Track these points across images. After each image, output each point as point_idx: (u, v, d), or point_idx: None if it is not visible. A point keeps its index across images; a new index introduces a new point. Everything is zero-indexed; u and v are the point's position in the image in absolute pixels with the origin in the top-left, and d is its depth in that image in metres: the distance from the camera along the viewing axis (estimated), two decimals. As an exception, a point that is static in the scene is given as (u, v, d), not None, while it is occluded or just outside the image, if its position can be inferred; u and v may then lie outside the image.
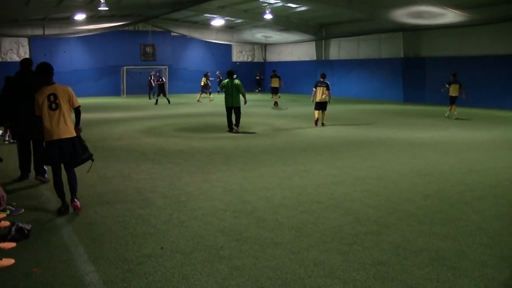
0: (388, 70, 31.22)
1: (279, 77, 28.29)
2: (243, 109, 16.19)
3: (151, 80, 32.82)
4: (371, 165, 10.36)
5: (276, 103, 26.62)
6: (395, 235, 5.85)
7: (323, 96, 17.08)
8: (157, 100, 28.65)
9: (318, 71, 36.02)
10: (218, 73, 36.96)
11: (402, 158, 11.15)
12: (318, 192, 7.88)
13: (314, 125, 17.15)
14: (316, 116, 17.24)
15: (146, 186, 8.36)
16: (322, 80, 17.41)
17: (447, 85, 20.54)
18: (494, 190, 8.13)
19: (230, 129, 15.62)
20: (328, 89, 17.13)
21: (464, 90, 20.23)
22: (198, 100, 30.12)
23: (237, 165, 10.25)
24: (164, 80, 30.03)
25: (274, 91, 28.09)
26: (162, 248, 5.44)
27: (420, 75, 28.79)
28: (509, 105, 23.65)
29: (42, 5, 26.31)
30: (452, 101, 20.19)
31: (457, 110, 20.18)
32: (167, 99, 28.37)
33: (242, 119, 15.95)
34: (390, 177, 9.13)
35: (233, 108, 15.65)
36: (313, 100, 17.40)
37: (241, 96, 15.63)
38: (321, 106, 17.19)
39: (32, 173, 9.01)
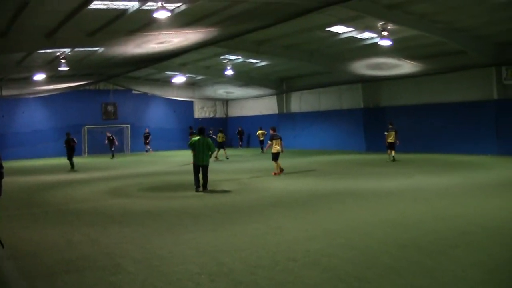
0: (349, 120, 31.84)
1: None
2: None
3: (113, 139, 33.03)
4: (342, 217, 10.33)
5: (216, 158, 27.28)
6: (376, 290, 5.75)
7: (278, 147, 18.58)
8: (113, 155, 31.82)
9: (281, 124, 36.67)
10: (147, 131, 37.29)
11: (372, 209, 11.17)
12: (293, 249, 7.74)
13: (276, 175, 18.33)
14: (279, 166, 18.66)
15: (116, 250, 8.05)
16: (275, 133, 19.08)
17: (385, 133, 22.70)
18: (466, 238, 8.16)
19: (198, 189, 14.96)
20: (281, 140, 18.90)
21: (421, 137, 21.44)
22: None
23: (207, 225, 10.03)
24: (113, 137, 32.92)
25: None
26: (138, 318, 5.18)
27: (381, 124, 29.46)
28: (466, 149, 24.36)
29: None
30: (390, 146, 22.49)
31: (395, 154, 22.62)
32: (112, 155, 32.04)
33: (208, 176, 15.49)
34: (363, 228, 9.09)
35: (201, 167, 15.06)
36: (264, 152, 18.38)
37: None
38: (278, 156, 18.67)
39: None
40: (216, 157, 27.31)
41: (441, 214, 10.21)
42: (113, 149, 32.58)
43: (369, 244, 7.91)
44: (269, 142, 18.90)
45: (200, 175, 15.08)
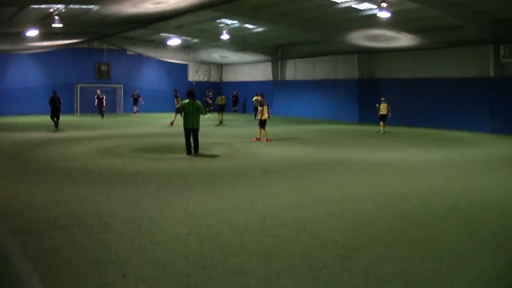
0: (343, 91, 31.69)
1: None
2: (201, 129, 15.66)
3: (102, 99, 32.91)
4: (333, 186, 10.36)
5: (221, 122, 27.81)
6: (363, 259, 5.77)
7: (266, 114, 18.79)
8: (103, 115, 31.85)
9: (275, 92, 36.47)
10: (136, 92, 36.90)
11: (363, 179, 11.20)
12: (282, 215, 7.76)
13: (255, 140, 18.65)
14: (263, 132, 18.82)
15: (104, 209, 8.03)
16: (263, 100, 19.26)
17: (377, 105, 22.87)
18: (455, 212, 8.21)
19: (189, 152, 14.81)
20: (268, 107, 19.17)
21: (416, 111, 21.45)
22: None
23: (197, 187, 10.02)
24: (102, 96, 32.76)
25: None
26: (124, 276, 5.17)
27: (375, 96, 29.34)
28: (459, 125, 24.31)
29: (-9, 20, 25.51)
30: (382, 118, 22.61)
31: (385, 127, 22.76)
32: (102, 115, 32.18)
33: (200, 140, 15.31)
34: (353, 198, 9.12)
35: (192, 130, 14.86)
36: (256, 119, 18.59)
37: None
38: (265, 123, 18.76)
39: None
40: (220, 122, 27.26)
41: (431, 188, 10.24)
42: (104, 109, 32.50)
43: (358, 214, 7.94)
44: (260, 108, 18.89)
45: (192, 139, 14.92)
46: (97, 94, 33.02)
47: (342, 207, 8.39)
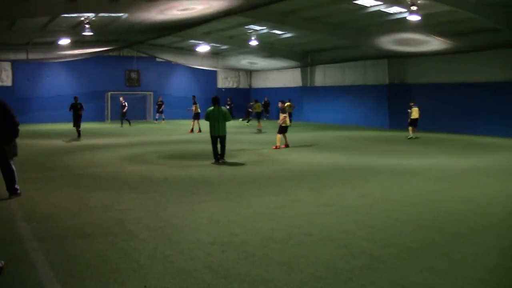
0: (373, 96, 31.29)
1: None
2: (228, 136, 15.46)
3: (125, 106, 32.03)
4: (361, 193, 10.12)
5: (259, 130, 27.17)
6: (391, 270, 5.56)
7: (288, 120, 18.84)
8: (122, 123, 31.38)
9: (304, 98, 36.27)
10: (160, 99, 36.52)
11: (392, 187, 10.93)
12: (308, 223, 7.59)
13: (276, 148, 18.28)
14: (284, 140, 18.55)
15: (129, 217, 8.00)
16: (285, 106, 19.12)
17: (409, 110, 22.66)
18: (489, 221, 7.91)
19: (216, 160, 14.55)
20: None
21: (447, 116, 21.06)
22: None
23: (223, 195, 9.93)
24: (125, 104, 31.89)
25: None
26: (145, 286, 5.08)
27: (406, 101, 28.86)
28: (492, 131, 23.67)
29: (25, 29, 26.06)
30: (413, 123, 22.46)
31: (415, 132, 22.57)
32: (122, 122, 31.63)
33: (226, 147, 15.09)
34: (381, 206, 8.88)
35: (218, 137, 14.65)
36: (281, 124, 18.43)
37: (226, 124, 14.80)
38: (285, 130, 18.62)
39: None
40: (259, 129, 27.06)
41: (463, 196, 9.93)
42: (125, 117, 31.58)
43: (386, 223, 7.71)
44: (283, 115, 18.43)
45: (219, 146, 14.73)
46: (120, 102, 32.27)
47: (369, 215, 8.17)
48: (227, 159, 14.87)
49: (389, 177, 12.23)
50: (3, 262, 5.49)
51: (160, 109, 35.64)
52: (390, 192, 10.26)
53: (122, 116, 31.72)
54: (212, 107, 14.70)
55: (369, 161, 15.04)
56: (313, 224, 7.54)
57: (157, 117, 35.77)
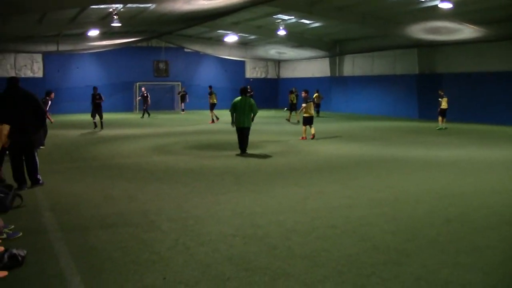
0: (402, 86, 30.77)
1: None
2: (253, 126, 15.02)
3: (147, 97, 31.38)
4: (387, 185, 9.92)
5: (298, 121, 25.90)
6: (416, 265, 5.39)
7: (311, 111, 18.14)
8: (143, 114, 30.49)
9: (333, 88, 35.93)
10: (183, 89, 36.26)
11: (419, 178, 10.68)
12: (332, 216, 7.45)
13: (302, 139, 17.92)
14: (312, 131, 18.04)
15: (152, 208, 7.98)
16: (308, 95, 18.25)
17: (440, 99, 22.10)
18: (520, 215, 7.65)
19: (243, 152, 14.30)
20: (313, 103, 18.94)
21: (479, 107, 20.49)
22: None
23: (248, 186, 9.84)
24: (147, 94, 31.36)
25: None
26: (165, 278, 5.04)
27: (436, 91, 28.29)
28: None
29: (55, 22, 26.44)
30: (442, 113, 22.01)
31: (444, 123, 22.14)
32: (143, 113, 30.60)
33: (252, 138, 14.93)
34: (408, 199, 8.68)
35: (242, 129, 14.27)
36: (302, 114, 18.09)
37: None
38: (311, 120, 18.04)
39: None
40: (298, 120, 25.89)
41: (494, 188, 9.64)
42: (145, 107, 30.71)
43: (413, 216, 7.52)
44: (303, 105, 17.85)
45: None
46: (142, 92, 31.75)
47: (395, 208, 7.98)
48: (253, 150, 14.72)
49: (416, 168, 11.98)
50: (25, 251, 5.52)
51: (185, 100, 35.21)
52: (417, 184, 10.02)
53: (145, 107, 30.79)
54: (239, 98, 14.36)
55: (397, 152, 14.77)
56: (337, 217, 7.41)
57: (183, 107, 35.73)
